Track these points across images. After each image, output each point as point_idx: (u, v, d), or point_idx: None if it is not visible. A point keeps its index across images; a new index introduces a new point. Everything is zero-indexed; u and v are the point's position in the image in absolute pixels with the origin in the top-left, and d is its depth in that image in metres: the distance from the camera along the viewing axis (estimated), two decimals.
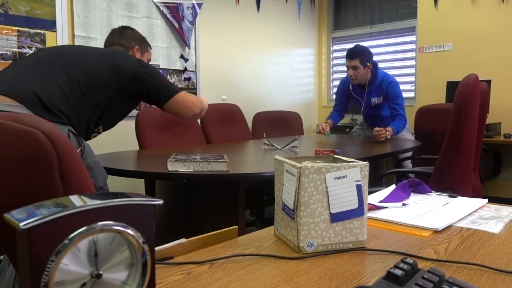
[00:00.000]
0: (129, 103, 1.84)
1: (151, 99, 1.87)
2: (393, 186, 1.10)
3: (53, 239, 0.38)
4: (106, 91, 1.70)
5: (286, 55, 4.84)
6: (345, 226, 0.69)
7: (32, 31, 2.79)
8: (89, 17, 3.08)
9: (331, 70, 5.30)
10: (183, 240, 0.69)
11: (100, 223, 0.41)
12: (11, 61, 2.70)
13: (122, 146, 3.07)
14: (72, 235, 0.39)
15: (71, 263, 0.40)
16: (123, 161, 2.00)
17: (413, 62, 4.58)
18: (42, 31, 2.83)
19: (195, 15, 3.79)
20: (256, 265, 0.64)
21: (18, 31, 2.73)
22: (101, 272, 0.42)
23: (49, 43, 2.86)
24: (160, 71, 3.53)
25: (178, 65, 3.72)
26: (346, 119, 4.64)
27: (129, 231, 0.43)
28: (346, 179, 0.69)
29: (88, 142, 1.60)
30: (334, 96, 4.99)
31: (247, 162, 2.04)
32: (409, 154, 3.06)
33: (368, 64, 3.22)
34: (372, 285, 0.47)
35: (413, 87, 4.54)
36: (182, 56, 3.74)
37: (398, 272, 0.47)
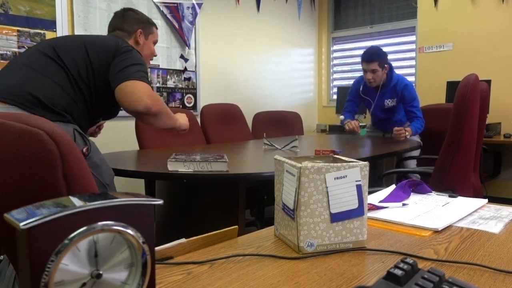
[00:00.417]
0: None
1: (111, 80, 1.64)
2: (393, 186, 1.10)
3: (53, 239, 0.38)
4: (98, 78, 1.65)
5: (286, 55, 4.84)
6: (345, 226, 0.69)
7: (32, 31, 2.79)
8: (89, 17, 3.08)
9: (331, 70, 5.30)
10: (183, 240, 0.69)
11: (100, 223, 0.41)
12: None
13: (122, 146, 3.08)
14: (72, 235, 0.39)
15: (71, 263, 0.40)
16: (123, 161, 2.00)
17: (413, 62, 4.58)
18: (42, 31, 2.83)
19: (195, 15, 3.79)
20: (256, 265, 0.64)
21: (18, 31, 2.73)
22: (101, 272, 0.42)
23: None
24: (160, 71, 3.53)
25: (178, 65, 3.72)
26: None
27: (129, 231, 0.43)
28: (346, 179, 0.69)
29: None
30: (335, 96, 5.01)
31: (247, 162, 2.04)
32: (412, 154, 3.05)
33: (385, 66, 3.17)
34: (372, 285, 0.47)
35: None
36: (182, 56, 3.74)
37: (398, 272, 0.47)
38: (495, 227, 0.81)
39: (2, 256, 1.26)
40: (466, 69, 3.94)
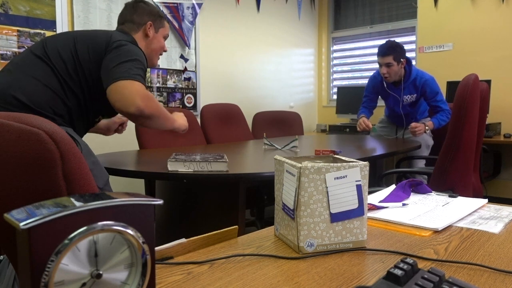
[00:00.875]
0: None
1: (103, 80, 1.58)
2: (393, 186, 1.10)
3: (53, 239, 0.38)
4: (90, 76, 1.60)
5: (286, 55, 4.84)
6: (345, 226, 0.69)
7: (32, 31, 2.79)
8: (89, 17, 3.08)
9: (331, 70, 5.30)
10: (183, 240, 0.69)
11: (100, 223, 0.41)
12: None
13: (122, 146, 3.08)
14: (72, 235, 0.39)
15: (71, 263, 0.40)
16: (123, 161, 2.00)
17: (413, 62, 4.58)
18: (42, 31, 2.83)
19: (195, 15, 3.79)
20: (256, 265, 0.64)
21: (18, 31, 2.73)
22: (101, 272, 0.42)
23: None
24: (160, 71, 3.53)
25: (178, 65, 3.72)
26: (346, 119, 4.64)
27: (129, 231, 0.43)
28: (346, 179, 0.69)
29: (88, 142, 1.59)
30: (335, 96, 5.01)
31: (247, 162, 2.04)
32: (414, 153, 3.03)
33: (401, 60, 3.08)
34: (372, 285, 0.47)
35: None
36: (182, 56, 3.74)
37: (398, 272, 0.47)
38: (495, 227, 0.81)
39: (2, 256, 1.26)
40: (466, 69, 3.94)
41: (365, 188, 0.70)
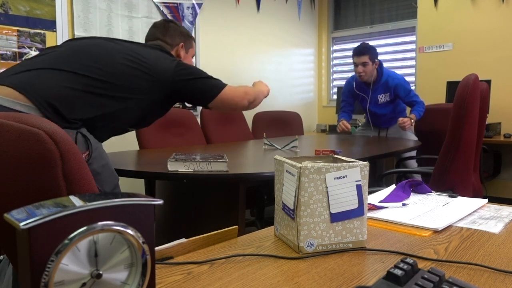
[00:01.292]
0: (169, 104, 1.77)
1: (194, 102, 1.83)
2: (393, 186, 1.10)
3: (53, 239, 0.38)
4: (141, 97, 1.59)
5: (286, 55, 4.84)
6: (345, 226, 0.69)
7: (32, 31, 2.79)
8: (89, 17, 3.08)
9: (331, 70, 5.30)
10: (183, 240, 0.69)
11: (100, 223, 0.41)
12: (11, 61, 2.70)
13: (122, 146, 3.08)
14: (72, 235, 0.39)
15: (71, 263, 0.40)
16: (123, 161, 2.00)
17: (413, 62, 4.58)
18: (42, 31, 2.83)
19: (195, 15, 3.79)
20: (256, 265, 0.64)
21: (18, 31, 2.73)
22: (101, 272, 0.42)
23: (49, 43, 2.86)
24: None
25: None
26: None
27: (129, 231, 0.43)
28: (346, 179, 0.69)
29: None
30: (335, 96, 5.01)
31: (247, 162, 2.04)
32: (411, 154, 3.06)
33: (375, 60, 3.29)
34: (372, 285, 0.47)
35: (413, 87, 4.54)
36: None
37: (398, 272, 0.47)
38: (495, 227, 0.81)
39: (2, 256, 1.26)
40: (466, 69, 3.93)
41: (365, 188, 0.70)
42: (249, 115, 3.84)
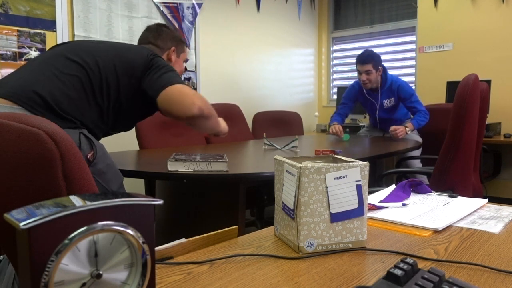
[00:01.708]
0: (147, 105, 1.66)
1: (148, 94, 1.60)
2: (393, 186, 1.10)
3: (53, 239, 0.38)
4: (120, 91, 1.58)
5: (286, 55, 4.84)
6: (345, 226, 0.69)
7: (32, 31, 2.79)
8: (89, 17, 3.08)
9: (331, 70, 5.30)
10: (183, 240, 0.69)
11: (100, 223, 0.41)
12: (11, 61, 2.70)
13: (122, 146, 3.08)
14: (72, 235, 0.39)
15: (71, 263, 0.40)
16: (123, 161, 2.00)
17: (413, 62, 4.58)
18: (42, 31, 2.83)
19: (195, 15, 3.79)
20: (256, 265, 0.64)
21: (18, 31, 2.73)
22: (101, 272, 0.42)
23: (49, 43, 2.86)
24: None
25: None
26: (346, 119, 4.64)
27: (129, 231, 0.43)
28: (346, 179, 0.69)
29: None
30: (335, 96, 5.01)
31: (247, 162, 2.04)
32: (414, 153, 3.06)
33: (379, 68, 3.28)
34: (372, 285, 0.47)
35: (413, 87, 4.54)
36: None
37: (398, 272, 0.47)
38: (495, 227, 0.81)
39: (2, 256, 1.26)
40: (466, 69, 3.93)
41: (365, 188, 0.70)
42: (249, 115, 3.85)
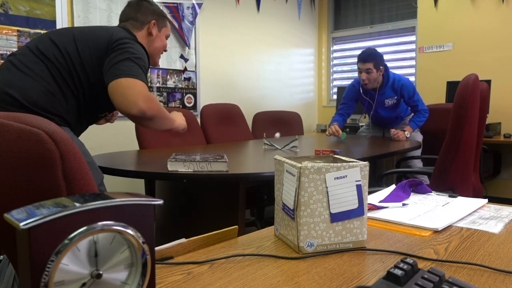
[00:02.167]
0: None
1: (104, 75, 1.57)
2: (393, 186, 1.10)
3: (53, 239, 0.38)
4: (92, 74, 1.57)
5: (286, 55, 4.84)
6: (345, 226, 0.69)
7: (32, 31, 2.79)
8: (89, 17, 3.08)
9: (331, 70, 5.30)
10: (183, 240, 0.69)
11: (100, 223, 0.41)
12: None
13: (122, 146, 3.08)
14: (72, 235, 0.39)
15: (71, 263, 0.40)
16: (123, 161, 2.00)
17: (413, 62, 4.58)
18: (42, 31, 2.83)
19: (195, 15, 3.79)
20: (256, 265, 0.64)
21: (18, 31, 2.73)
22: (101, 272, 0.42)
23: None
24: (160, 71, 3.53)
25: (178, 65, 3.72)
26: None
27: (129, 231, 0.43)
28: (346, 179, 0.69)
29: (87, 142, 1.57)
30: (335, 96, 5.01)
31: (247, 162, 2.04)
32: (414, 153, 3.06)
33: (380, 67, 3.22)
34: (372, 285, 0.47)
35: None
36: (182, 56, 3.74)
37: (398, 272, 0.47)
38: (495, 227, 0.81)
39: (2, 256, 1.26)
40: (466, 69, 3.94)
41: (365, 188, 0.70)
42: (249, 115, 3.85)
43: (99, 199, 0.42)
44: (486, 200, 1.00)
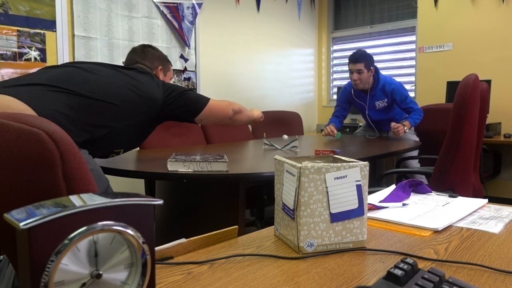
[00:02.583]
0: (155, 125, 1.81)
1: (183, 116, 1.82)
2: (393, 186, 1.10)
3: (53, 239, 0.38)
4: (132, 117, 1.64)
5: (286, 55, 4.84)
6: (345, 226, 0.69)
7: (32, 31, 2.79)
8: (89, 17, 3.08)
9: (331, 70, 5.30)
10: (183, 240, 0.69)
11: (100, 223, 0.41)
12: (11, 61, 2.70)
13: None
14: (72, 235, 0.39)
15: (71, 263, 0.40)
16: (123, 161, 2.00)
17: (413, 62, 4.58)
18: (42, 31, 2.83)
19: (195, 15, 3.79)
20: (256, 265, 0.64)
21: (18, 31, 2.73)
22: (101, 272, 0.42)
23: (49, 43, 2.86)
24: None
25: (178, 65, 3.72)
26: (345, 119, 4.64)
27: (129, 231, 0.43)
28: (346, 179, 0.69)
29: None
30: (335, 96, 5.01)
31: (247, 162, 2.04)
32: (412, 153, 3.07)
33: (371, 68, 3.27)
34: (372, 285, 0.47)
35: (413, 87, 4.54)
36: (182, 56, 3.74)
37: (398, 272, 0.47)
38: (495, 227, 0.81)
39: (2, 256, 1.26)
40: (466, 69, 3.94)
41: (365, 188, 0.70)
42: None
43: (99, 199, 0.42)
44: (486, 200, 1.00)
